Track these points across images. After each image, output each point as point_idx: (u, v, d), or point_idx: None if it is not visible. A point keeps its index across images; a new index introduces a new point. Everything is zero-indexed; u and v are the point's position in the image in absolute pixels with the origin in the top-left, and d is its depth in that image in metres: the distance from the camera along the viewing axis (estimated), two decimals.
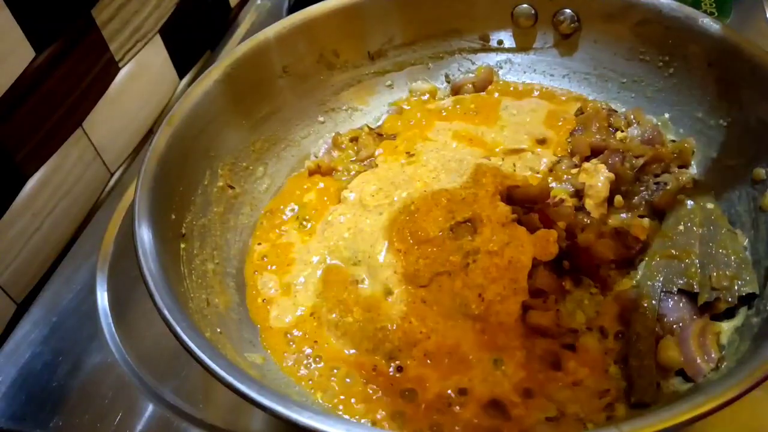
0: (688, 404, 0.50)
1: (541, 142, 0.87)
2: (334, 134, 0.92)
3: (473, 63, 0.99)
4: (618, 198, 0.79)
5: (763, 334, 0.62)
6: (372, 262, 0.74)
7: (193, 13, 1.10)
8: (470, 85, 0.96)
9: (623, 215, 0.78)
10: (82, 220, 0.91)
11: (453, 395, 0.64)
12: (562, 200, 0.77)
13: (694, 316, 0.67)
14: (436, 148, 0.87)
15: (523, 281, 0.70)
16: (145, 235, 0.64)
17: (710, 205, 0.76)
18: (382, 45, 0.95)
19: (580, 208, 0.77)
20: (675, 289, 0.69)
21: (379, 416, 0.64)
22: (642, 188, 0.80)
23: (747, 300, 0.68)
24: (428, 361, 0.67)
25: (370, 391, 0.65)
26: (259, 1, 1.24)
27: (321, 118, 0.94)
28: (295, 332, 0.71)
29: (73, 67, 0.85)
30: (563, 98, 0.94)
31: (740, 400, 0.50)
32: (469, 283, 0.70)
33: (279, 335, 0.71)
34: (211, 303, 0.69)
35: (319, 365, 0.68)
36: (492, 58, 0.98)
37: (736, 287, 0.68)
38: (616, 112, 0.90)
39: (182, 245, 0.71)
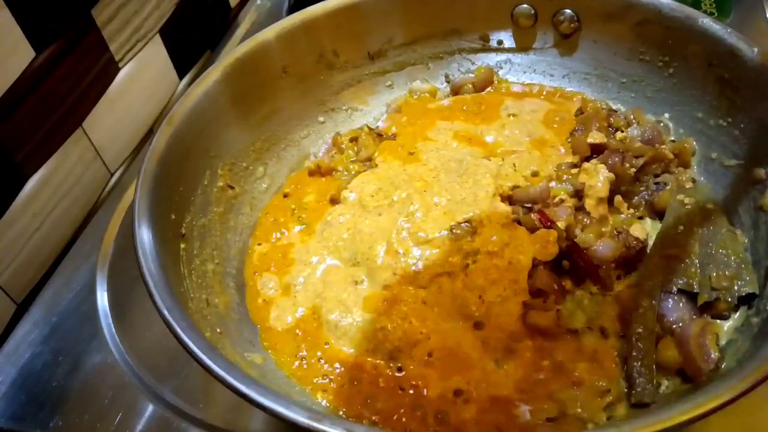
0: (688, 404, 0.50)
1: (541, 142, 0.87)
2: (334, 134, 0.92)
3: (473, 63, 0.99)
4: (618, 198, 0.79)
5: (763, 334, 0.62)
6: (371, 263, 0.74)
7: (193, 13, 1.10)
8: (470, 85, 0.96)
9: (623, 216, 0.78)
10: (82, 220, 0.91)
11: (453, 395, 0.64)
12: (562, 200, 0.77)
13: (694, 316, 0.67)
14: (436, 147, 0.87)
15: (523, 282, 0.70)
16: (145, 235, 0.64)
17: (710, 205, 0.76)
18: (382, 45, 0.95)
19: (580, 208, 0.77)
20: (675, 289, 0.69)
21: (379, 416, 0.64)
22: (642, 188, 0.80)
23: (747, 300, 0.68)
24: (428, 361, 0.67)
25: (371, 392, 0.65)
26: (259, 1, 1.24)
27: (321, 118, 0.94)
28: (296, 332, 0.71)
29: (73, 67, 0.85)
30: (563, 98, 0.94)
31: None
32: (469, 285, 0.70)
33: (279, 335, 0.71)
34: (211, 303, 0.69)
35: (318, 365, 0.68)
36: (492, 58, 0.98)
37: (736, 287, 0.68)
38: (616, 112, 0.90)
39: (182, 245, 0.71)
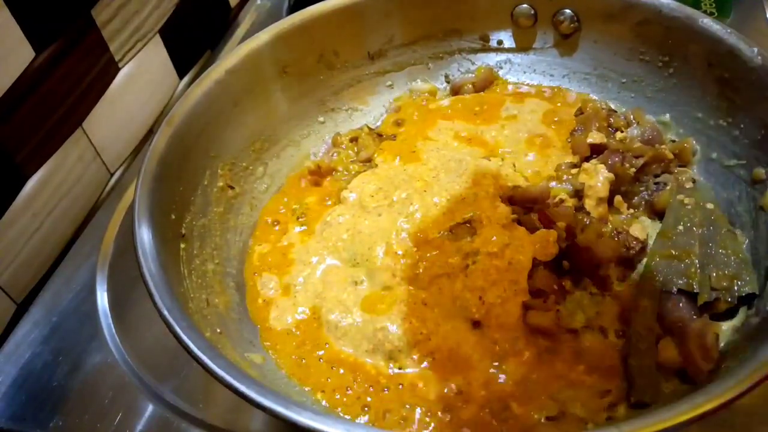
0: (688, 404, 0.50)
1: (542, 142, 0.87)
2: (334, 134, 0.92)
3: (473, 63, 0.99)
4: (618, 198, 0.79)
5: (763, 334, 0.62)
6: (371, 264, 0.74)
7: (193, 13, 1.10)
8: (470, 85, 0.96)
9: (623, 216, 0.78)
10: (82, 220, 0.91)
11: (454, 395, 0.64)
12: (562, 200, 0.77)
13: (694, 316, 0.67)
14: (436, 147, 0.87)
15: (523, 282, 0.69)
16: (145, 235, 0.64)
17: (710, 205, 0.76)
18: (382, 45, 0.95)
19: (580, 208, 0.77)
20: (675, 289, 0.69)
21: (378, 416, 0.64)
22: (642, 188, 0.80)
23: (747, 300, 0.68)
24: (428, 362, 0.67)
25: (371, 392, 0.65)
26: (259, 1, 1.24)
27: (321, 118, 0.94)
28: (296, 333, 0.71)
29: (73, 67, 0.85)
30: (563, 98, 0.94)
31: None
32: (469, 285, 0.70)
33: (279, 335, 0.71)
34: (211, 303, 0.69)
35: (318, 366, 0.68)
36: (492, 58, 0.98)
37: (736, 287, 0.68)
38: (616, 112, 0.90)
39: (182, 245, 0.71)
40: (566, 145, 0.86)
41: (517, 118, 0.91)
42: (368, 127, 0.93)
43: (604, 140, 0.83)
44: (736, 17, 1.06)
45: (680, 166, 0.82)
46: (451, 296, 0.70)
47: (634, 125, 0.86)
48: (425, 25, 0.95)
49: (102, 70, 0.91)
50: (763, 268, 0.69)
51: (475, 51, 0.98)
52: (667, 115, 0.87)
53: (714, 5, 1.05)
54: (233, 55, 0.83)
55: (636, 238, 0.74)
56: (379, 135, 0.90)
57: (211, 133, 0.80)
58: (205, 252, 0.75)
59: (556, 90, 0.95)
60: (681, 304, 0.68)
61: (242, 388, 0.52)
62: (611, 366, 0.66)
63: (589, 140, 0.83)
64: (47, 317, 0.78)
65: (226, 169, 0.82)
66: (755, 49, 0.75)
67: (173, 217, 0.71)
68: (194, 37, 1.13)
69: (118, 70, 0.94)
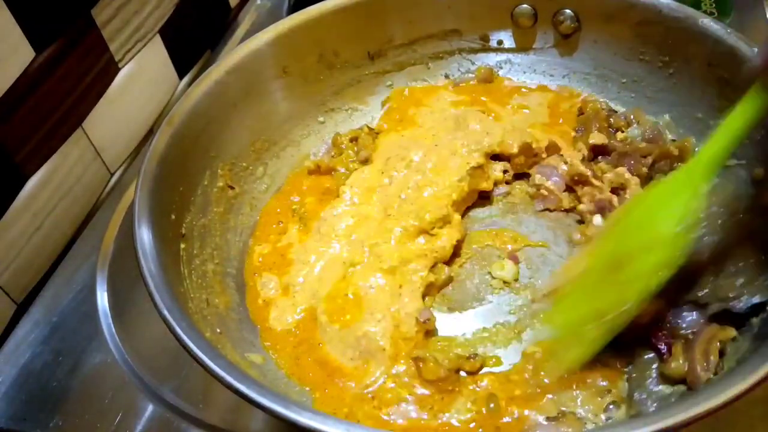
0: (688, 405, 0.50)
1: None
2: (334, 134, 0.92)
3: (473, 63, 0.99)
4: None
5: (763, 334, 0.61)
6: (369, 261, 0.73)
7: (193, 13, 1.10)
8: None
9: None
10: (82, 220, 0.91)
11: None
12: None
13: (705, 324, 0.65)
14: (431, 111, 0.89)
15: None
16: (145, 235, 0.64)
17: (715, 208, 0.75)
18: (382, 45, 0.95)
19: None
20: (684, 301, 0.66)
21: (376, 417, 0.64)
22: None
23: (757, 309, 0.65)
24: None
25: (367, 392, 0.65)
26: (259, 1, 1.24)
27: (321, 118, 0.94)
28: (295, 332, 0.71)
29: (73, 67, 0.85)
30: (563, 98, 0.94)
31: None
32: None
33: (279, 336, 0.71)
34: (211, 303, 0.69)
35: (317, 366, 0.68)
36: (492, 58, 0.98)
37: (744, 297, 0.65)
38: (616, 112, 0.90)
39: (182, 245, 0.71)
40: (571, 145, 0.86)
41: (525, 107, 0.92)
42: (368, 127, 0.93)
43: (605, 141, 0.83)
44: (736, 17, 1.06)
45: (681, 164, 0.82)
46: None
47: (635, 125, 0.86)
48: (425, 25, 0.95)
49: (102, 70, 0.91)
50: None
51: (475, 51, 0.98)
52: (667, 115, 0.87)
53: (714, 5, 1.05)
54: (233, 55, 0.83)
55: None
56: (378, 135, 0.90)
57: (211, 133, 0.80)
58: (206, 252, 0.75)
59: (555, 90, 0.95)
60: (694, 314, 0.66)
61: (242, 388, 0.52)
62: (612, 365, 0.65)
63: (591, 141, 0.83)
64: (47, 317, 0.77)
65: (226, 169, 0.82)
66: (755, 49, 0.75)
67: (173, 217, 0.71)
68: (194, 37, 1.13)
69: (118, 70, 0.94)
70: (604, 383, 0.64)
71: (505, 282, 0.75)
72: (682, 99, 0.85)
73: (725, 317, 0.65)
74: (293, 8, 1.03)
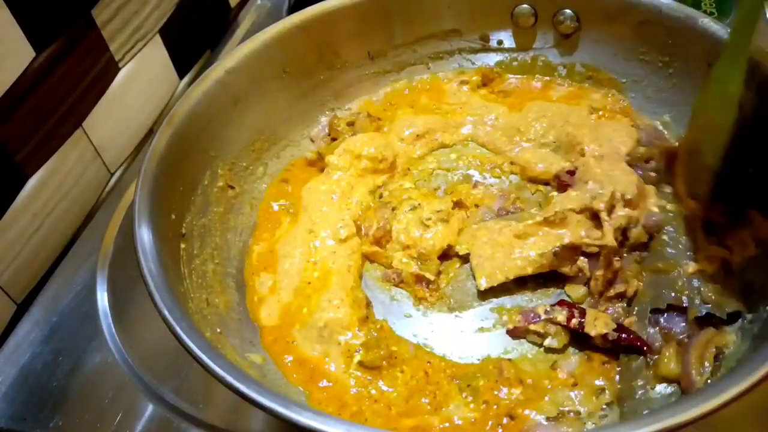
0: (687, 405, 0.50)
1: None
2: (331, 116, 0.91)
3: (473, 63, 0.99)
4: None
5: (762, 334, 0.62)
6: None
7: (193, 13, 1.10)
8: None
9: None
10: (82, 220, 0.91)
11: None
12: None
13: (698, 327, 0.65)
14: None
15: None
16: (145, 235, 0.64)
17: None
18: (382, 45, 0.95)
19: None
20: (664, 305, 0.67)
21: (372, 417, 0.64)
22: None
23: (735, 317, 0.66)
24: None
25: (353, 391, 0.65)
26: (259, 1, 1.24)
27: (321, 119, 0.94)
28: (283, 330, 0.71)
29: (73, 67, 0.85)
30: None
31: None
32: None
33: (271, 335, 0.71)
34: (211, 303, 0.70)
35: (288, 366, 0.68)
36: (492, 58, 0.98)
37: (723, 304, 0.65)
38: None
39: (182, 245, 0.71)
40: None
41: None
42: (367, 111, 0.92)
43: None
44: (736, 17, 1.06)
45: None
46: None
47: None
48: (425, 25, 0.95)
49: (102, 70, 0.91)
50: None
51: (475, 51, 0.98)
52: (667, 116, 0.87)
53: (714, 5, 1.05)
54: (233, 55, 0.83)
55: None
56: (379, 119, 0.91)
57: (211, 133, 0.80)
58: (206, 252, 0.75)
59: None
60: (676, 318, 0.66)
61: (242, 388, 0.52)
62: (610, 365, 0.66)
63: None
64: (47, 317, 0.78)
65: (226, 168, 0.82)
66: (755, 49, 0.75)
67: (173, 217, 0.71)
68: (194, 37, 1.13)
69: (118, 70, 0.94)
70: (601, 382, 0.64)
71: None
72: (682, 99, 0.85)
73: (717, 319, 0.66)
74: (293, 8, 1.03)
